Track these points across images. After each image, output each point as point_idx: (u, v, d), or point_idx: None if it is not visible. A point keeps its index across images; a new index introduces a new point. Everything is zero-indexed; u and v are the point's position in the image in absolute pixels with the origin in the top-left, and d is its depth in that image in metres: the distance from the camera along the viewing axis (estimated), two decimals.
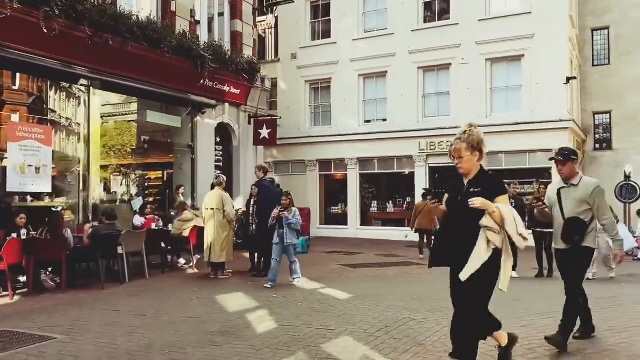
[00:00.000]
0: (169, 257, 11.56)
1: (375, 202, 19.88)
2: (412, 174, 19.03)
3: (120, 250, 9.42)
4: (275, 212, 9.06)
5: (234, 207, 10.43)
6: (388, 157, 19.30)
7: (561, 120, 16.84)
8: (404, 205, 19.45)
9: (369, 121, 19.98)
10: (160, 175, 15.26)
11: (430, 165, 18.73)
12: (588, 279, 9.29)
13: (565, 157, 5.05)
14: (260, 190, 10.38)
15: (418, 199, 18.44)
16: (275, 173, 21.29)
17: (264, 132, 16.55)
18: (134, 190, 13.76)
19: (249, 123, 16.83)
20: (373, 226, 19.62)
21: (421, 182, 18.61)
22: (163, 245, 11.32)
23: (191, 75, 14.11)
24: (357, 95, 19.88)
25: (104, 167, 12.88)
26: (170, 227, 11.64)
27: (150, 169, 14.81)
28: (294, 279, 9.34)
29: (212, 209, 10.13)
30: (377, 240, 18.49)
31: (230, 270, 10.51)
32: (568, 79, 16.99)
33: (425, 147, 18.50)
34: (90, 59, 11.50)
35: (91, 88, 11.95)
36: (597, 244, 9.91)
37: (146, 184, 14.53)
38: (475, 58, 17.89)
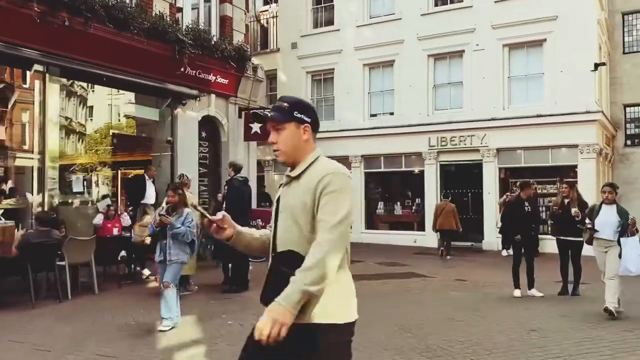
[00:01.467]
0: (133, 266, 10.12)
1: (382, 203, 18.22)
2: (421, 173, 17.32)
3: (61, 260, 8.00)
4: (157, 215, 6.64)
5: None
6: (395, 154, 17.61)
7: (588, 112, 14.96)
8: (413, 207, 17.75)
9: (374, 115, 18.32)
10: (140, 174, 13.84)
11: (441, 162, 16.99)
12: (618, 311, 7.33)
13: (281, 114, 2.32)
14: (227, 191, 8.88)
15: (428, 199, 16.81)
16: (274, 172, 19.81)
17: (255, 127, 14.99)
18: (103, 190, 12.33)
19: (240, 117, 15.31)
20: (379, 230, 17.96)
21: (431, 181, 16.92)
22: (124, 254, 9.91)
23: (169, 63, 12.65)
24: (361, 86, 18.23)
25: (64, 166, 11.48)
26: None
27: (125, 167, 13.37)
28: (162, 321, 6.10)
29: None
30: (383, 245, 16.83)
31: (196, 286, 8.99)
32: (596, 66, 15.11)
33: (436, 143, 16.77)
34: (44, 42, 10.06)
35: (47, 75, 10.55)
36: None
37: (116, 184, 13.09)
38: (491, 44, 16.10)
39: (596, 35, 15.67)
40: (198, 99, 13.75)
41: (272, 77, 20.07)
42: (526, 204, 8.77)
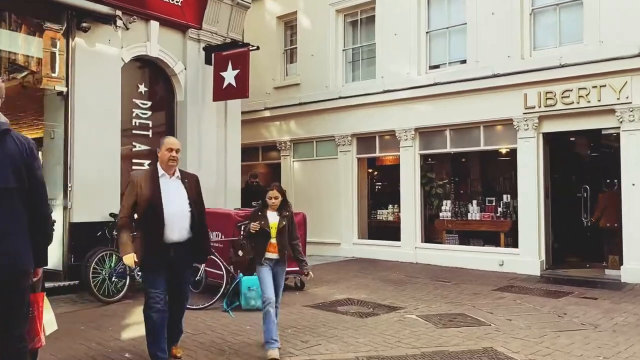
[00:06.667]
0: None
1: (448, 202, 11.75)
2: (512, 152, 10.78)
3: None
4: None
5: None
6: (470, 123, 11.14)
7: None
8: (499, 209, 11.19)
9: (436, 66, 11.93)
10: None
11: (545, 133, 10.35)
12: None
13: None
14: None
15: (524, 195, 10.35)
16: (293, 157, 13.93)
17: (229, 76, 9.21)
18: None
19: (208, 62, 9.58)
20: (444, 244, 11.57)
21: (530, 165, 10.31)
22: None
23: None
24: (416, 24, 11.92)
25: None
26: None
27: None
28: None
29: None
30: (448, 269, 10.54)
31: None
32: None
33: (537, 103, 10.14)
34: None
35: None
36: None
37: None
38: None
39: None
40: (118, 24, 8.18)
41: (291, 23, 14.29)
42: None
